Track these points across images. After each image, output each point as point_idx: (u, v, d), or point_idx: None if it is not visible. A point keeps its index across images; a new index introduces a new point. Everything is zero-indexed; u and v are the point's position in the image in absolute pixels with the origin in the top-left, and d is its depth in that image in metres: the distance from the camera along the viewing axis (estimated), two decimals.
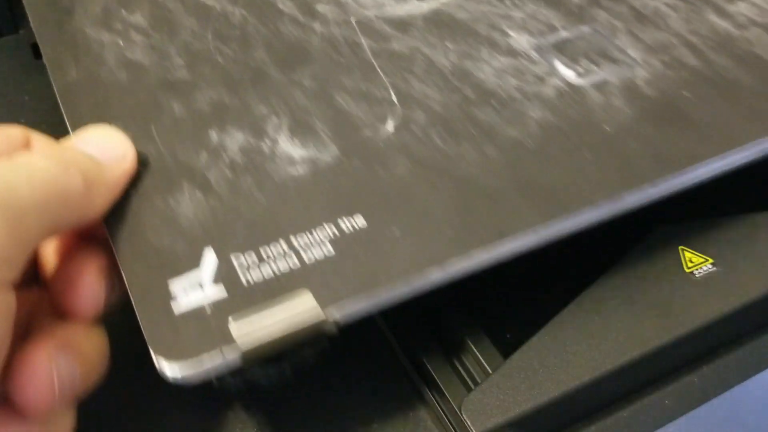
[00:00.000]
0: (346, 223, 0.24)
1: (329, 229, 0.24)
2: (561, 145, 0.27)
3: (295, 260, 0.23)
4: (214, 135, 0.26)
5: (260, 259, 0.23)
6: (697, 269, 0.29)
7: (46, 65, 0.29)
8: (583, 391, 0.26)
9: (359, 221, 0.24)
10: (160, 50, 0.30)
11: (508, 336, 0.30)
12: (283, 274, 0.22)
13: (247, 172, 0.25)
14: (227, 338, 0.21)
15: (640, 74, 0.31)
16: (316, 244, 0.23)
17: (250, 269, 0.23)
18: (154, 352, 0.21)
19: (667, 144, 0.28)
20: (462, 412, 0.25)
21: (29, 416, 0.21)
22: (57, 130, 0.26)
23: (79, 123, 0.26)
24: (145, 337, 0.21)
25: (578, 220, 0.25)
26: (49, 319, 0.23)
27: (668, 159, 0.27)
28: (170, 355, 0.21)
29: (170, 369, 0.20)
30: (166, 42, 0.30)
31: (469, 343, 0.28)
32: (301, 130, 0.27)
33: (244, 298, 0.22)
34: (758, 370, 0.29)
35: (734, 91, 0.30)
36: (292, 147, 0.26)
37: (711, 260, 0.29)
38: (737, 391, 0.29)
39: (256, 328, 0.21)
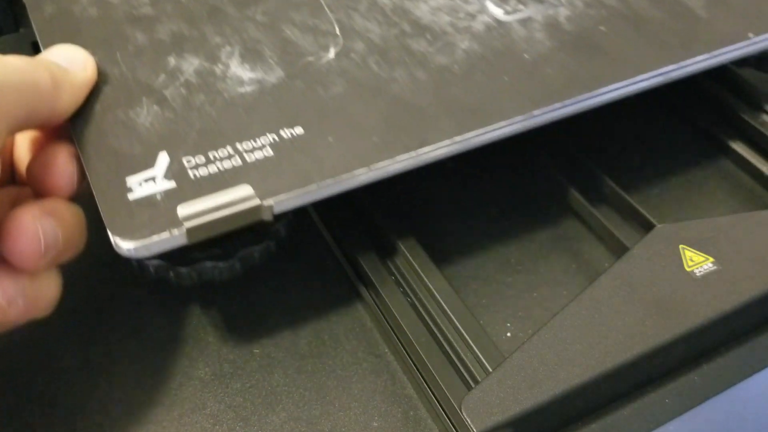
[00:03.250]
0: (286, 132, 0.27)
1: (271, 137, 0.27)
2: (484, 70, 0.30)
3: (239, 161, 0.26)
4: (172, 60, 0.30)
5: (207, 159, 0.26)
6: (697, 268, 0.29)
7: (25, 4, 0.32)
8: (583, 390, 0.26)
9: (298, 130, 0.27)
10: None
11: (507, 335, 0.30)
12: (227, 171, 0.26)
13: (200, 90, 0.28)
14: (174, 219, 0.24)
15: (563, 12, 0.33)
16: (258, 148, 0.27)
17: (198, 167, 0.26)
18: (111, 232, 0.24)
19: (580, 70, 0.31)
20: (462, 410, 0.25)
21: (20, 271, 0.24)
22: None
23: None
24: (104, 221, 0.24)
25: (493, 132, 0.28)
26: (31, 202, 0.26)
27: (578, 81, 0.30)
28: (124, 234, 0.24)
29: (125, 244, 0.24)
30: None
31: (468, 339, 0.28)
32: (251, 56, 0.30)
33: (191, 189, 0.25)
34: (759, 368, 0.29)
35: (646, 26, 0.33)
36: (242, 70, 0.29)
37: (711, 259, 0.29)
38: (738, 389, 0.29)
39: (200, 210, 0.25)
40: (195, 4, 0.32)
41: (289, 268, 0.33)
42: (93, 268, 0.32)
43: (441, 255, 0.32)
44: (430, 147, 0.27)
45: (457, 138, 0.28)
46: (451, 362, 0.28)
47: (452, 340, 0.28)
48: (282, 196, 0.25)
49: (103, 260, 0.30)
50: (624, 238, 0.32)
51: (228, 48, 0.30)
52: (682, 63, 0.31)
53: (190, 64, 0.29)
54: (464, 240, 0.34)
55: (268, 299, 0.32)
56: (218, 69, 0.29)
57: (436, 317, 0.29)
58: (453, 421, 0.27)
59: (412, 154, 0.27)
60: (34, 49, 0.40)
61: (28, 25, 0.36)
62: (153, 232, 0.24)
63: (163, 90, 0.28)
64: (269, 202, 0.25)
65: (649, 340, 0.27)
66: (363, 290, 0.32)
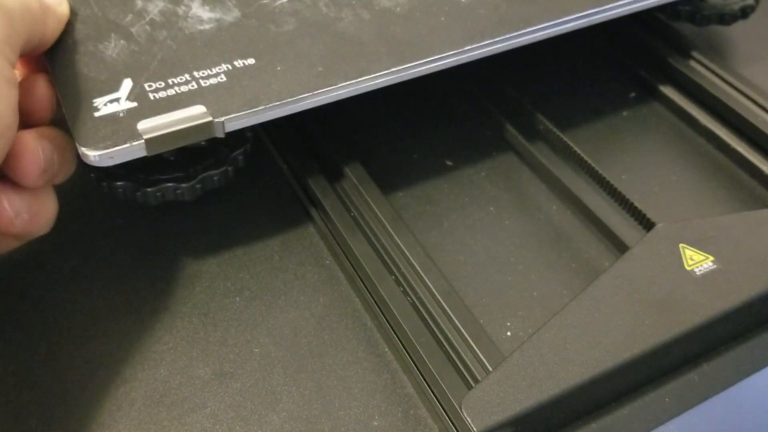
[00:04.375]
0: (239, 62, 0.30)
1: (225, 66, 0.30)
2: (423, 12, 0.33)
3: (195, 86, 0.29)
4: (139, 2, 0.33)
5: (167, 84, 0.29)
6: (697, 267, 0.29)
7: None
8: (583, 389, 0.26)
9: (250, 61, 0.30)
10: None
11: (507, 334, 0.30)
12: (184, 94, 0.29)
13: (163, 27, 0.31)
14: (135, 132, 0.27)
15: None
16: (213, 76, 0.30)
17: (158, 91, 0.29)
18: (79, 144, 0.27)
19: (510, 12, 0.33)
20: (462, 409, 0.25)
21: (23, 188, 0.27)
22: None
23: None
24: (73, 135, 0.27)
25: (427, 65, 0.31)
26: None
27: (508, 22, 0.33)
28: (90, 144, 0.27)
29: (90, 153, 0.27)
30: None
31: (468, 338, 0.28)
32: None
33: (151, 108, 0.28)
34: (758, 368, 0.29)
35: None
36: (203, 11, 0.32)
37: (711, 258, 0.29)
38: (737, 389, 0.29)
39: (157, 125, 0.28)
40: None
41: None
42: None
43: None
44: (368, 76, 0.30)
45: (394, 69, 0.31)
46: (451, 361, 0.28)
47: (452, 339, 0.29)
48: (232, 115, 0.28)
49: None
50: (624, 238, 0.32)
51: None
52: (606, 6, 0.35)
53: (156, 6, 0.32)
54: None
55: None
56: (181, 10, 0.32)
57: (436, 316, 0.29)
58: (453, 421, 0.27)
59: (352, 81, 0.30)
60: None
61: None
62: (116, 144, 0.27)
63: (130, 27, 0.31)
64: (220, 119, 0.28)
65: (649, 339, 0.27)
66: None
